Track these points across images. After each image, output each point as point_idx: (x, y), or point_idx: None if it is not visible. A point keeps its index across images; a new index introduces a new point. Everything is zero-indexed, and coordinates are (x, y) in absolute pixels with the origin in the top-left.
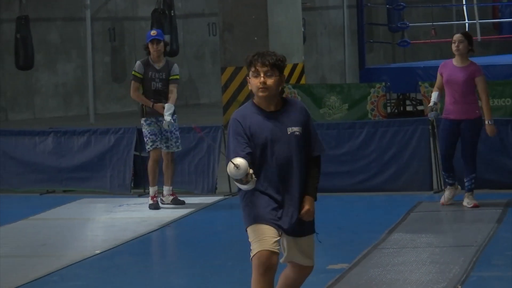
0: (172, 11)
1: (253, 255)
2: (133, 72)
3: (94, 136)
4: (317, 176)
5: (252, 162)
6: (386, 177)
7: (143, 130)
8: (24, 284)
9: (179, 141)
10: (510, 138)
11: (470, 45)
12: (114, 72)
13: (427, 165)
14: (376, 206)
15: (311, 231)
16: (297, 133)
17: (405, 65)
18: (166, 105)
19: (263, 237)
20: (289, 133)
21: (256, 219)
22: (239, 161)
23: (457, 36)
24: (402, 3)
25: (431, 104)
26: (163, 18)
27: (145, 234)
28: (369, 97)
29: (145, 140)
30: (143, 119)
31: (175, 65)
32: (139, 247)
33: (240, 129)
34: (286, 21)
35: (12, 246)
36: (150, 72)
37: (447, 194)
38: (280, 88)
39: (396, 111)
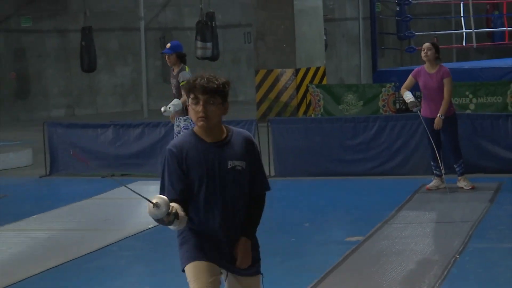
0: (214, 22)
1: None
2: None
3: (147, 128)
4: (257, 215)
5: (186, 198)
6: (395, 163)
7: (181, 124)
8: (88, 253)
9: None
10: (501, 130)
11: (437, 52)
12: (164, 74)
13: (431, 152)
14: (387, 188)
15: (256, 272)
16: (238, 167)
17: (411, 68)
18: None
19: (200, 276)
20: (229, 167)
21: (192, 257)
22: (159, 199)
23: (426, 45)
24: (409, 16)
25: (412, 100)
26: (205, 28)
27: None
28: (380, 95)
29: (179, 131)
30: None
31: (182, 72)
32: None
33: (175, 162)
34: (310, 30)
35: (78, 221)
36: (170, 79)
37: (433, 183)
38: (222, 116)
39: (403, 107)
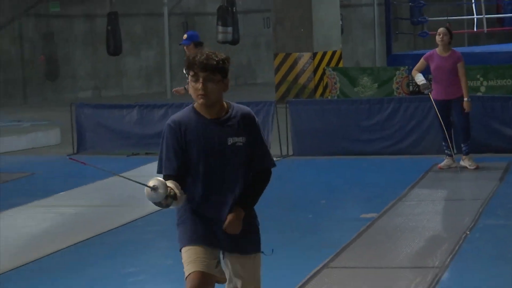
0: (234, 7)
1: (186, 278)
2: None
3: (170, 109)
4: (257, 189)
5: (184, 174)
6: (409, 143)
7: None
8: (114, 228)
9: None
10: (510, 112)
11: (451, 38)
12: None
13: (442, 133)
14: (400, 167)
15: (254, 249)
16: (239, 143)
17: (424, 52)
18: None
19: (196, 258)
20: (229, 143)
21: (189, 240)
22: (156, 181)
23: (441, 30)
24: (422, 1)
25: (424, 82)
26: (226, 14)
27: None
28: (394, 78)
29: None
30: None
31: None
32: None
33: (174, 137)
34: (326, 16)
35: (105, 198)
36: None
37: (445, 162)
38: (223, 93)
39: (416, 89)
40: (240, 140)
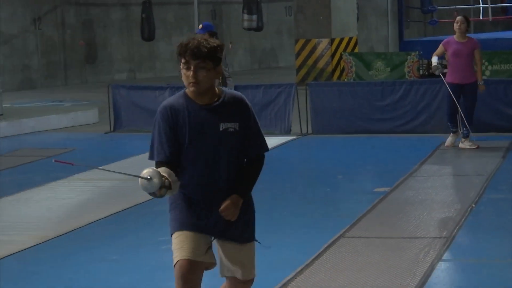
0: None
1: (174, 265)
2: None
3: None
4: (253, 175)
5: (177, 161)
6: (419, 122)
7: None
8: (147, 201)
9: None
10: None
11: (468, 25)
12: None
13: (449, 113)
14: (411, 144)
15: (249, 238)
16: (231, 129)
17: (433, 38)
18: None
19: (185, 245)
20: (221, 129)
21: (180, 226)
22: (151, 172)
23: (459, 18)
24: None
25: (435, 64)
26: (251, 2)
27: None
28: (406, 62)
29: None
30: None
31: None
32: None
33: (166, 123)
34: (344, 4)
35: (139, 171)
36: None
37: (451, 139)
38: (215, 80)
39: (426, 73)
40: (232, 125)
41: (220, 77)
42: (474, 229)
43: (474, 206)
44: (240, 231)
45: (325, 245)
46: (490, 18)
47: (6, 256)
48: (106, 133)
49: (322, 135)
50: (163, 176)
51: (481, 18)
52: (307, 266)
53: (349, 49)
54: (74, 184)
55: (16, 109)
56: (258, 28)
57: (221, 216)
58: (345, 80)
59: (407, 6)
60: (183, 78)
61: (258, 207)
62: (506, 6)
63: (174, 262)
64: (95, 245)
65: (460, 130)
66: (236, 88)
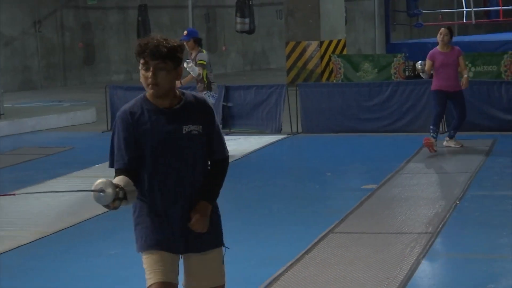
0: (251, 1)
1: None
2: None
3: (194, 91)
4: (219, 179)
5: (137, 168)
6: (405, 122)
7: (210, 100)
8: None
9: None
10: (495, 94)
11: (451, 37)
12: (208, 45)
13: (435, 119)
14: (397, 143)
15: (217, 243)
16: (194, 132)
17: (419, 41)
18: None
19: (157, 267)
20: (184, 132)
21: (149, 245)
22: (102, 183)
23: (443, 30)
24: None
25: (419, 67)
26: (244, 6)
27: (230, 162)
28: (392, 64)
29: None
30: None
31: (200, 53)
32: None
33: (126, 128)
34: (333, 8)
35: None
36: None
37: (430, 140)
38: (176, 81)
39: (412, 74)
40: (195, 128)
41: (205, 81)
42: (459, 225)
43: (458, 202)
44: (207, 239)
45: (315, 241)
46: (474, 21)
47: (6, 252)
48: (103, 132)
49: (311, 134)
50: (117, 186)
51: (464, 21)
52: (297, 261)
53: (337, 51)
54: (72, 181)
55: (16, 109)
56: (250, 31)
57: (188, 227)
58: (334, 81)
59: (393, 10)
60: (142, 80)
61: (248, 204)
62: (489, 10)
63: (148, 284)
64: (94, 240)
65: (445, 130)
66: (228, 89)
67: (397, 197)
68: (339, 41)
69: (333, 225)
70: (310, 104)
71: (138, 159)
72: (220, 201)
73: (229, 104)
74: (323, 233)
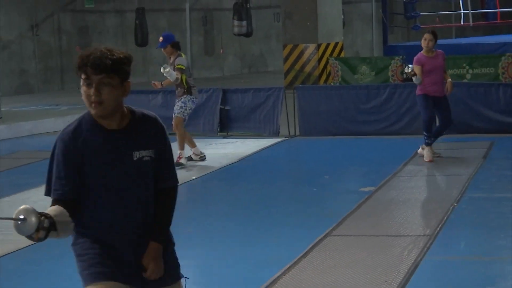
0: (248, 3)
1: None
2: None
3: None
4: (169, 212)
5: (78, 197)
6: (402, 124)
7: (190, 104)
8: None
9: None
10: (493, 96)
11: (435, 42)
12: (206, 48)
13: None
14: (395, 146)
15: (176, 277)
16: (146, 158)
17: (416, 43)
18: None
19: None
20: (135, 158)
21: (94, 277)
22: (24, 212)
23: (428, 36)
24: None
25: (411, 71)
26: (241, 9)
27: (228, 165)
28: (390, 67)
29: (188, 111)
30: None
31: (178, 58)
32: (223, 174)
33: (67, 153)
34: (330, 11)
35: None
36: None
37: (430, 152)
38: (122, 99)
39: (408, 76)
40: (147, 153)
41: (185, 86)
42: (457, 227)
43: (456, 204)
44: (165, 275)
45: (312, 244)
46: (471, 23)
47: (4, 255)
48: None
49: (309, 137)
50: (42, 215)
51: (462, 23)
52: (295, 264)
53: (335, 54)
54: None
55: (14, 112)
56: (248, 34)
57: (136, 261)
58: (331, 83)
59: (391, 12)
60: (84, 98)
61: (246, 206)
62: (486, 12)
63: None
64: None
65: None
66: (226, 91)
67: (394, 199)
68: (336, 43)
69: (330, 228)
70: (307, 106)
71: (80, 188)
72: (218, 204)
73: (227, 107)
74: (321, 236)
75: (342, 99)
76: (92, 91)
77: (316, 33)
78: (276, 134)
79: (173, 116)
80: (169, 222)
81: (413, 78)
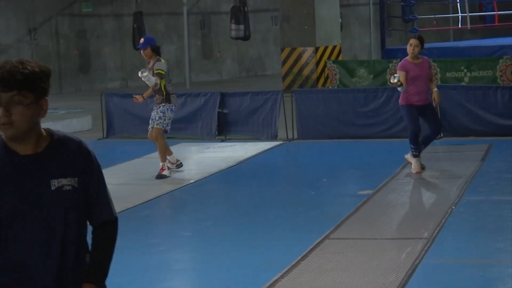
0: (246, 7)
1: None
2: None
3: (189, 97)
4: (106, 251)
5: None
6: (400, 127)
7: (169, 113)
8: (139, 204)
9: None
10: (491, 99)
11: (422, 47)
12: (204, 52)
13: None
14: (393, 149)
15: None
16: (67, 187)
17: None
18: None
19: None
20: (53, 188)
21: None
22: None
23: (413, 41)
24: (412, 1)
25: (397, 81)
26: (239, 13)
27: (226, 169)
28: (388, 69)
29: (167, 121)
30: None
31: (157, 62)
32: (221, 177)
33: None
34: (328, 14)
35: (131, 177)
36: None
37: (418, 164)
38: (38, 119)
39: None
40: (68, 182)
41: (164, 93)
42: (455, 230)
43: (454, 207)
44: None
45: (311, 247)
46: (469, 26)
47: None
48: (99, 139)
49: (307, 140)
50: None
51: (460, 26)
52: (293, 267)
53: (333, 57)
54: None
55: None
56: (246, 37)
57: None
58: (330, 87)
59: (388, 16)
60: None
61: (244, 210)
62: (484, 15)
63: None
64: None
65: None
66: (224, 95)
67: (393, 202)
68: (334, 47)
69: (329, 231)
70: (305, 110)
71: None
72: (216, 207)
73: (225, 111)
74: (319, 239)
75: (340, 102)
76: (1, 111)
77: (314, 37)
78: (274, 137)
79: (150, 124)
80: (104, 264)
81: (398, 88)
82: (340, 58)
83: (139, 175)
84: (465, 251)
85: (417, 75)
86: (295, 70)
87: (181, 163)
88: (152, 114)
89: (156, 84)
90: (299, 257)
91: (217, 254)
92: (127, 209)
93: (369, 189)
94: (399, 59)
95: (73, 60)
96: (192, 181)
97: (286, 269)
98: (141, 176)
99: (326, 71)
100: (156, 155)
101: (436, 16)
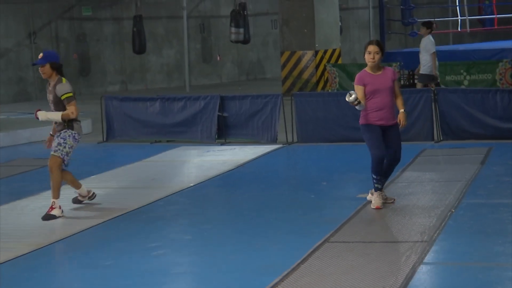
0: (245, 11)
1: None
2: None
3: (189, 101)
4: None
5: None
6: (400, 131)
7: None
8: (139, 207)
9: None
10: (490, 102)
11: (383, 54)
12: (203, 56)
13: (430, 122)
14: None
15: None
16: None
17: (414, 50)
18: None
19: None
20: None
21: None
22: None
23: (372, 48)
24: (412, 5)
25: (354, 98)
26: (238, 16)
27: (225, 172)
28: None
29: (68, 150)
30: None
31: (59, 84)
32: (221, 181)
33: None
34: (327, 17)
35: (130, 180)
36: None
37: (380, 199)
38: None
39: (407, 83)
40: None
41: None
42: (454, 233)
43: (453, 211)
44: None
45: (310, 250)
46: (468, 29)
47: (2, 263)
48: (99, 143)
49: (307, 143)
50: None
51: (459, 29)
52: (293, 270)
53: (332, 61)
54: (67, 192)
55: (12, 120)
56: (245, 41)
57: None
58: (329, 90)
59: (388, 19)
60: None
61: (244, 213)
62: (484, 18)
63: None
64: (89, 251)
65: (440, 138)
66: (223, 98)
67: (392, 206)
68: (334, 50)
69: (328, 234)
70: (305, 113)
71: None
72: (216, 211)
73: (225, 114)
74: (319, 243)
75: (340, 105)
76: None
77: (313, 40)
78: (274, 141)
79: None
80: None
81: (356, 107)
82: (339, 62)
83: (139, 178)
84: (464, 254)
85: (377, 88)
86: (295, 73)
87: (93, 193)
88: (52, 143)
89: (73, 113)
90: (299, 261)
91: (217, 258)
92: (126, 212)
93: (369, 193)
94: (398, 62)
95: (72, 64)
96: (191, 184)
97: (285, 272)
98: (141, 179)
99: (326, 74)
100: (155, 158)
101: (435, 19)
